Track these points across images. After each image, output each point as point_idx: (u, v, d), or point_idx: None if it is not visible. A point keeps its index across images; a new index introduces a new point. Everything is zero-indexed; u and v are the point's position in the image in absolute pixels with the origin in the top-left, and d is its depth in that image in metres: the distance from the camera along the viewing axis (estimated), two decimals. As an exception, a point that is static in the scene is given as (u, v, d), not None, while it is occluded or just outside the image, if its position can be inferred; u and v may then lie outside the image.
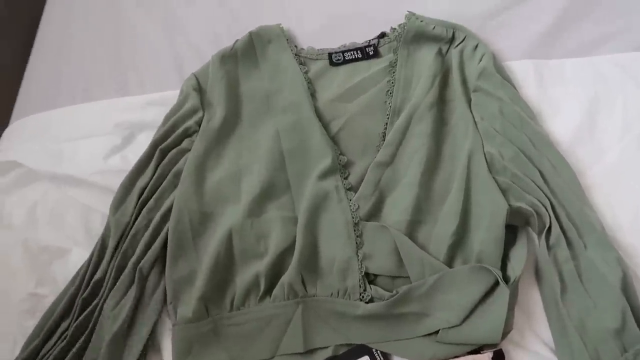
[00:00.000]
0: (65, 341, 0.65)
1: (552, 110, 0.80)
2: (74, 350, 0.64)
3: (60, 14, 1.07)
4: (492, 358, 0.61)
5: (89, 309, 0.67)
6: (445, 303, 0.63)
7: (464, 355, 0.62)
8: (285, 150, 0.76)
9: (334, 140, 0.78)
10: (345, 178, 0.74)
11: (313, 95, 0.81)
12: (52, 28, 1.06)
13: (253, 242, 0.70)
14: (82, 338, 0.65)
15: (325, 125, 0.79)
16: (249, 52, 0.85)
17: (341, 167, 0.75)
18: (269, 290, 0.68)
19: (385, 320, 0.65)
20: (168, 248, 0.70)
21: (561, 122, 0.79)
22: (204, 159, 0.76)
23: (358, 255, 0.68)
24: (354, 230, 0.70)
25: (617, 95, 0.80)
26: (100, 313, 0.67)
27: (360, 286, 0.66)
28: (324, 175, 0.73)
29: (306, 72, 0.83)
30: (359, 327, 0.65)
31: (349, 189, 0.73)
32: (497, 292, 0.62)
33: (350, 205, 0.71)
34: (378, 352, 0.64)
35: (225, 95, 0.80)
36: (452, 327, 0.62)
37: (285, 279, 0.67)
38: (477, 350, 0.63)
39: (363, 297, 0.66)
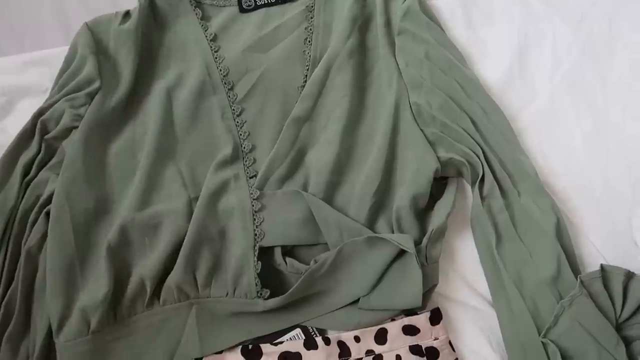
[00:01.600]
0: None
1: (481, 52, 0.78)
2: None
3: None
4: (429, 317, 0.60)
5: None
6: (348, 276, 0.60)
7: (400, 317, 0.60)
8: (177, 129, 0.68)
9: (248, 97, 0.71)
10: (251, 165, 0.67)
11: (217, 51, 0.73)
12: None
13: (138, 240, 0.61)
14: None
15: (237, 80, 0.71)
16: (153, 5, 0.74)
17: (244, 154, 0.67)
18: (157, 294, 0.60)
19: (290, 307, 0.60)
20: (48, 248, 0.60)
21: (491, 65, 0.77)
22: (96, 134, 0.66)
23: (255, 250, 0.61)
24: (253, 221, 0.63)
25: (546, 32, 0.78)
26: None
27: (256, 284, 0.60)
28: (223, 164, 0.66)
29: (206, 29, 0.74)
30: (262, 320, 0.60)
31: (253, 177, 0.66)
32: (406, 257, 0.60)
33: (250, 193, 0.64)
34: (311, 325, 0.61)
35: (132, 62, 0.69)
36: (368, 294, 0.59)
37: (171, 280, 0.60)
38: (413, 312, 0.61)
39: (261, 294, 0.60)
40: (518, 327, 0.60)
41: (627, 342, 0.59)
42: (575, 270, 0.62)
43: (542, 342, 0.58)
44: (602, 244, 0.66)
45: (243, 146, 0.68)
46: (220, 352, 0.59)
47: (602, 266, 0.61)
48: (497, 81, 0.75)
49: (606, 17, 0.78)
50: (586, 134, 0.73)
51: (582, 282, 0.59)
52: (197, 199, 0.64)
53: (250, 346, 0.58)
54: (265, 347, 0.58)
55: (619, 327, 0.60)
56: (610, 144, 0.72)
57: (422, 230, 0.64)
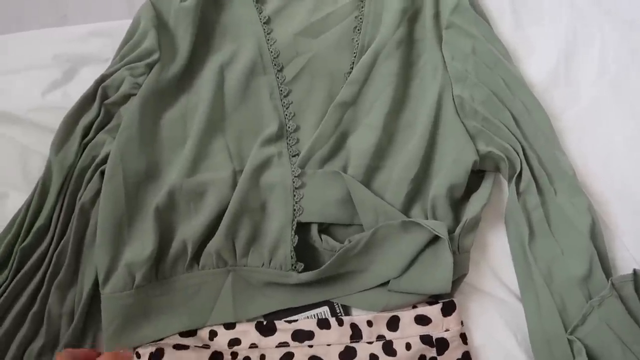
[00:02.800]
0: (4, 295, 0.60)
1: (527, 51, 0.77)
2: (16, 308, 0.60)
3: None
4: (442, 309, 0.60)
5: (32, 260, 0.62)
6: (381, 257, 0.61)
7: (412, 307, 0.61)
8: (227, 104, 0.70)
9: (296, 79, 0.72)
10: (294, 144, 0.69)
11: (269, 34, 0.75)
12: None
13: (183, 205, 0.64)
14: (26, 294, 0.61)
15: (287, 63, 0.73)
16: None
17: (289, 134, 0.69)
18: (197, 258, 0.63)
19: (322, 283, 0.62)
20: (100, 204, 0.63)
21: (536, 63, 0.76)
22: (152, 102, 0.68)
23: (293, 225, 0.63)
24: (293, 197, 0.65)
25: (595, 35, 0.78)
26: (50, 261, 0.62)
27: (292, 257, 0.62)
28: (268, 141, 0.68)
29: (260, 12, 0.76)
30: (294, 293, 0.62)
31: (295, 155, 0.68)
32: (439, 243, 0.60)
33: (292, 171, 0.66)
34: (338, 303, 0.63)
35: (190, 37, 0.72)
36: (399, 277, 0.60)
37: (212, 246, 0.62)
38: (433, 302, 0.62)
39: (295, 267, 0.62)
40: (544, 322, 0.60)
41: None
42: (607, 272, 0.61)
43: (568, 338, 0.58)
44: (637, 250, 0.65)
45: (288, 126, 0.70)
46: (234, 326, 0.60)
47: (634, 271, 0.60)
48: (541, 81, 0.75)
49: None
50: (628, 139, 0.72)
51: (613, 284, 0.59)
52: (241, 171, 0.66)
53: (264, 322, 0.60)
54: (279, 324, 0.60)
55: None
56: None
57: (456, 220, 0.64)
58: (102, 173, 0.64)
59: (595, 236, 0.63)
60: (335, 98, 0.70)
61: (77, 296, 0.62)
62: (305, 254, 0.64)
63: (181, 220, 0.63)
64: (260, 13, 0.76)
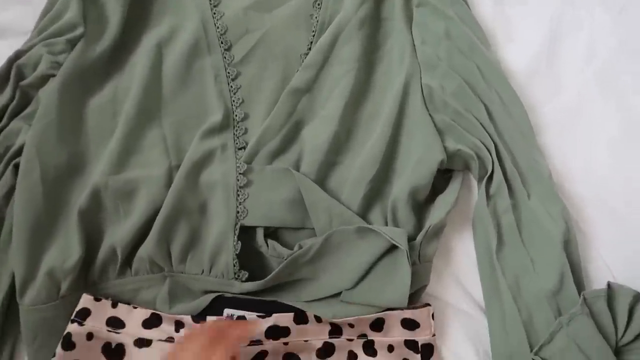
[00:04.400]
0: None
1: (508, 33, 0.73)
2: None
3: None
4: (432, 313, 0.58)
5: None
6: (334, 266, 0.58)
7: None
8: (164, 89, 0.64)
9: (245, 59, 0.67)
10: (241, 135, 0.63)
11: (216, 6, 0.68)
12: None
13: (110, 205, 0.59)
14: None
15: (235, 41, 0.67)
16: None
17: (235, 123, 0.64)
18: (129, 263, 0.58)
19: (268, 292, 0.58)
20: (15, 204, 0.57)
21: (517, 50, 0.72)
22: (75, 85, 0.62)
23: (235, 229, 0.59)
24: (236, 197, 0.60)
25: (583, 20, 0.73)
26: None
27: (234, 265, 0.57)
28: (211, 132, 0.62)
29: None
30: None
31: (242, 148, 0.62)
32: (397, 252, 0.57)
33: (237, 167, 0.61)
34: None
35: (122, 9, 0.65)
36: (351, 288, 0.57)
37: (143, 251, 0.57)
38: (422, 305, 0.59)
39: (238, 276, 0.58)
40: (509, 338, 0.57)
41: None
42: (580, 285, 0.59)
43: (532, 359, 0.55)
44: (614, 260, 0.62)
45: (235, 114, 0.64)
46: (204, 319, 0.56)
47: (609, 284, 0.57)
48: (522, 69, 0.71)
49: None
50: (611, 139, 0.68)
51: (585, 299, 0.56)
52: (178, 167, 0.60)
53: (235, 317, 0.56)
54: (251, 319, 0.56)
55: (618, 351, 0.56)
56: (636, 152, 0.67)
57: (419, 225, 0.60)
58: (17, 167, 0.58)
59: (569, 245, 0.60)
60: (290, 83, 0.64)
61: None
62: (251, 260, 0.59)
63: (109, 223, 0.59)
64: None
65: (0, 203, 0.58)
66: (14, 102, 0.61)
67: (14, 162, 0.59)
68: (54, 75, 0.61)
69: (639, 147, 0.67)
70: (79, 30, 0.63)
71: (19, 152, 0.59)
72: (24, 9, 0.69)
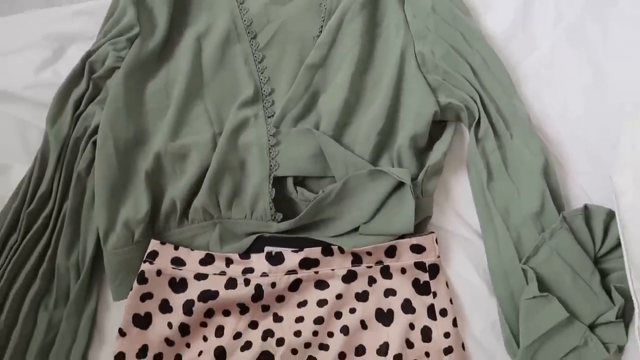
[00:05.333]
0: (16, 256, 0.66)
1: (485, 5, 0.81)
2: (27, 266, 0.66)
3: None
4: (435, 238, 0.67)
5: (38, 223, 0.68)
6: (352, 205, 0.66)
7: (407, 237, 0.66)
8: (205, 73, 0.74)
9: (268, 45, 0.77)
10: (269, 106, 0.73)
11: (242, 4, 0.78)
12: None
13: (169, 167, 0.69)
14: (35, 253, 0.67)
15: (259, 30, 0.77)
16: None
17: (264, 97, 0.73)
18: (186, 214, 0.68)
19: (300, 230, 0.67)
20: (95, 171, 0.68)
21: (494, 17, 0.80)
22: (135, 74, 0.73)
23: (270, 179, 0.68)
24: (269, 154, 0.69)
25: None
26: (55, 223, 0.68)
27: (271, 208, 0.68)
28: (245, 104, 0.72)
29: None
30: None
31: (270, 117, 0.72)
32: (403, 189, 0.65)
33: (267, 130, 0.71)
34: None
35: (167, 11, 0.76)
36: (368, 221, 0.65)
37: (198, 202, 0.67)
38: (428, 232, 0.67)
39: (274, 217, 0.68)
40: (502, 255, 0.65)
41: (605, 274, 0.63)
42: (560, 207, 0.66)
43: (522, 268, 0.63)
44: (590, 187, 0.69)
45: (263, 89, 0.74)
46: (248, 256, 0.66)
47: (585, 205, 0.64)
48: (499, 33, 0.78)
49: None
50: (585, 85, 0.75)
51: (564, 217, 0.64)
52: (221, 134, 0.71)
53: (273, 252, 0.65)
54: (287, 254, 0.65)
55: (597, 261, 0.64)
56: (608, 96, 0.74)
57: (421, 167, 0.69)
58: (95, 143, 0.70)
59: (548, 175, 0.67)
60: (306, 61, 0.74)
61: (81, 254, 0.68)
62: (283, 206, 0.69)
63: (169, 181, 0.69)
64: None
65: (83, 174, 0.70)
66: (88, 91, 0.73)
67: (92, 139, 0.70)
68: (118, 68, 0.73)
69: (609, 92, 0.74)
70: (136, 30, 0.74)
71: (95, 131, 0.70)
72: (88, 20, 0.81)
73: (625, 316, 0.61)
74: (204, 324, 0.64)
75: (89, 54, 0.75)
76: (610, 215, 0.64)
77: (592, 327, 0.61)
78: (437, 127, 0.73)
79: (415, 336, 0.63)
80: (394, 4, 0.77)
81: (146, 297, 0.64)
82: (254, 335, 0.64)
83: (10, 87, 0.78)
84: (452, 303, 0.65)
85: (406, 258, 0.65)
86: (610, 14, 0.78)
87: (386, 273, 0.65)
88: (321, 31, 0.76)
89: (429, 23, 0.75)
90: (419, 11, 0.76)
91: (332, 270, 0.65)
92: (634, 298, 0.57)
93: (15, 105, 0.78)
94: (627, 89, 0.73)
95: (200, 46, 0.76)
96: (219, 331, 0.64)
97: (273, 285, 0.64)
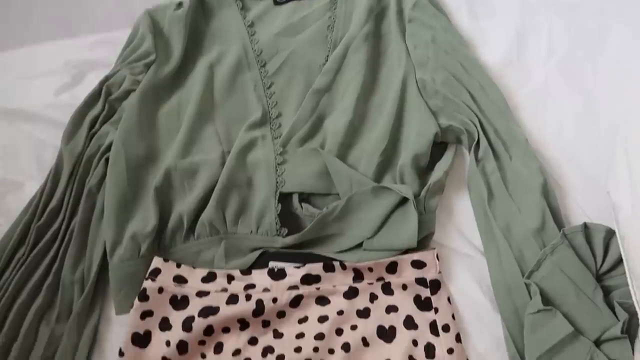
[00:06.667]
0: (22, 269, 0.66)
1: (482, 39, 0.85)
2: (33, 280, 0.66)
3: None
4: (436, 254, 0.67)
5: (47, 237, 0.69)
6: (356, 221, 0.67)
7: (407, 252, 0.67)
8: (216, 97, 0.78)
9: (277, 72, 0.81)
10: (277, 128, 0.76)
11: (253, 35, 0.84)
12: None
13: (178, 183, 0.71)
14: (42, 267, 0.67)
15: (269, 59, 0.82)
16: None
17: (271, 120, 0.77)
18: (192, 229, 0.70)
19: (304, 246, 0.68)
20: (106, 186, 0.70)
21: (491, 50, 0.84)
22: (150, 97, 0.77)
23: (276, 195, 0.70)
24: (276, 171, 0.72)
25: (542, 24, 0.85)
26: (63, 238, 0.69)
27: (276, 223, 0.69)
28: (253, 126, 0.75)
29: (245, 17, 0.85)
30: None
31: (277, 138, 0.75)
32: (406, 205, 0.67)
33: (275, 149, 0.74)
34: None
35: (182, 41, 0.81)
36: (372, 237, 0.66)
37: (205, 216, 0.69)
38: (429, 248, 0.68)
39: (280, 232, 0.69)
40: (505, 271, 0.65)
41: (607, 292, 0.63)
42: (560, 224, 0.67)
43: (525, 283, 0.63)
44: (588, 206, 0.71)
45: (271, 113, 0.78)
46: (250, 272, 0.66)
47: (585, 223, 0.65)
48: (495, 64, 0.82)
49: (598, 9, 0.85)
50: (577, 113, 0.78)
51: (564, 234, 0.64)
52: (229, 152, 0.73)
53: (276, 269, 0.66)
54: (289, 270, 0.65)
55: (599, 279, 0.64)
56: (599, 121, 0.77)
57: (423, 186, 0.71)
58: (107, 160, 0.72)
59: (547, 193, 0.69)
60: (312, 86, 0.78)
61: (86, 269, 0.68)
62: (289, 222, 0.70)
63: (177, 197, 0.71)
64: (244, 18, 0.86)
65: (94, 190, 0.72)
66: (104, 112, 0.76)
67: (105, 156, 0.73)
68: (134, 90, 0.77)
69: (600, 119, 0.77)
70: (152, 57, 0.79)
71: (108, 149, 0.73)
72: (107, 49, 0.87)
73: (630, 332, 0.60)
74: (202, 342, 0.63)
75: (107, 78, 0.79)
76: (610, 233, 0.65)
77: (597, 343, 0.60)
78: (439, 148, 0.75)
79: (419, 353, 0.62)
80: (396, 36, 0.82)
81: (146, 314, 0.64)
82: (254, 352, 0.63)
83: (30, 107, 0.82)
84: (454, 318, 0.64)
85: (407, 274, 0.66)
86: (599, 49, 0.83)
87: (387, 289, 0.65)
88: (327, 60, 0.81)
89: (429, 52, 0.79)
90: (420, 42, 0.80)
91: (334, 286, 0.65)
92: (637, 308, 0.57)
93: (33, 125, 0.81)
94: (616, 111, 0.75)
95: (212, 73, 0.80)
96: (218, 348, 0.63)
97: (274, 300, 0.64)
